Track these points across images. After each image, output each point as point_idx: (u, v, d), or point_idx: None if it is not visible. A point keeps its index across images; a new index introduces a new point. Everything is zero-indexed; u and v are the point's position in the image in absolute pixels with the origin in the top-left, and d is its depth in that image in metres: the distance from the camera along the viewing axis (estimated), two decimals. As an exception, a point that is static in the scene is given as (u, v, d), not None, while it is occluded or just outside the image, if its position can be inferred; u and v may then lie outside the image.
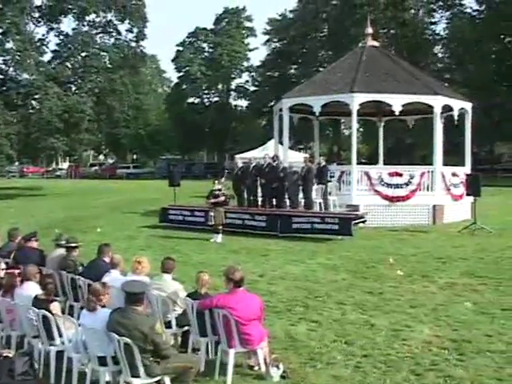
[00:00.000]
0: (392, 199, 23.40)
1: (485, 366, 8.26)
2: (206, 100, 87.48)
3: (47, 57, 49.70)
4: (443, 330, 9.91)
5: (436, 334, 9.70)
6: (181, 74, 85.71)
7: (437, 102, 24.10)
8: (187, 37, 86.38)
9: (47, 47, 49.47)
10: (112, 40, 51.76)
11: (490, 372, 8.06)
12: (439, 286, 13.07)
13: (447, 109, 25.07)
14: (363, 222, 21.25)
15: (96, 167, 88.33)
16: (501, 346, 9.07)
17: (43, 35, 49.09)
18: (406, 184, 23.53)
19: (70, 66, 49.93)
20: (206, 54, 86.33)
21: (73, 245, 10.94)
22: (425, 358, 8.59)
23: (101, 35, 51.25)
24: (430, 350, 8.93)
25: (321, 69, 59.38)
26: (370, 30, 28.14)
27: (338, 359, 8.64)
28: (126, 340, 6.76)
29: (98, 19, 50.14)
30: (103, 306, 7.61)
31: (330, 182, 23.69)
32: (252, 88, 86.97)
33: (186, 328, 8.83)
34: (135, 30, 51.41)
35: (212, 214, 20.08)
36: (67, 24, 56.37)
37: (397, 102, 23.68)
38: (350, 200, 23.44)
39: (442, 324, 10.21)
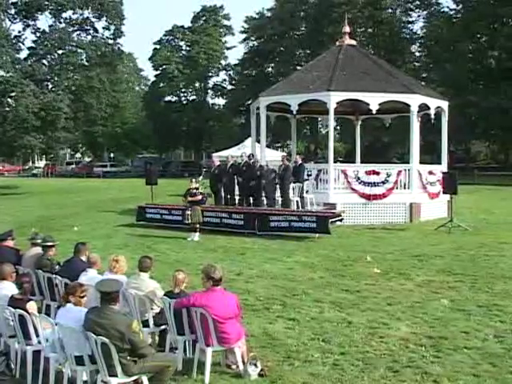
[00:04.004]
0: (369, 197, 23.47)
1: (461, 363, 8.31)
2: (183, 98, 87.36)
3: (23, 54, 49.53)
4: (420, 327, 9.95)
5: (413, 331, 9.74)
6: (158, 72, 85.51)
7: (413, 100, 24.20)
8: (164, 35, 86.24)
9: (23, 44, 49.39)
10: (89, 37, 51.79)
11: (467, 368, 8.11)
12: (416, 283, 13.12)
13: (424, 107, 25.17)
14: (340, 220, 21.27)
15: (73, 166, 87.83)
16: (477, 343, 9.13)
17: (19, 32, 48.91)
18: (383, 182, 23.60)
19: (46, 63, 49.76)
20: (183, 52, 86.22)
21: (49, 244, 10.83)
22: (402, 355, 8.62)
23: (78, 32, 51.24)
24: (407, 347, 8.96)
25: (298, 67, 59.48)
26: (347, 29, 28.17)
27: (316, 357, 8.63)
28: (103, 339, 6.72)
29: (74, 16, 50.04)
30: (76, 305, 7.55)
31: (307, 180, 23.76)
32: (229, 86, 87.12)
33: (164, 327, 8.81)
34: (112, 27, 51.41)
35: (189, 212, 19.98)
36: (44, 21, 56.53)
37: (374, 100, 23.72)
38: (327, 198, 23.48)
39: (419, 321, 10.25)
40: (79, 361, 7.20)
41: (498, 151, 72.85)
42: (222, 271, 8.24)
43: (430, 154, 45.58)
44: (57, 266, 10.60)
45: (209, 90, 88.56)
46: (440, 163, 26.83)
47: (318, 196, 23.57)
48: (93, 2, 48.48)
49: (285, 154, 29.76)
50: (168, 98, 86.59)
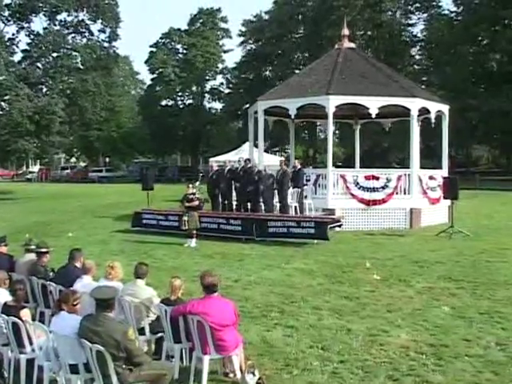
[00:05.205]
0: (368, 203, 23.35)
1: (463, 371, 8.23)
2: (179, 102, 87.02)
3: (17, 57, 49.37)
4: (421, 334, 9.86)
5: (413, 338, 9.65)
6: (154, 75, 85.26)
7: (413, 104, 24.09)
8: (161, 38, 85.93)
9: (17, 47, 49.20)
10: (84, 40, 51.65)
11: (468, 376, 8.04)
12: (416, 290, 13.03)
13: (424, 111, 25.09)
14: (339, 226, 21.13)
15: (67, 170, 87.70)
16: (479, 350, 9.04)
17: (13, 34, 48.80)
18: (383, 187, 23.49)
19: (40, 66, 49.63)
20: (179, 55, 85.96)
21: (43, 250, 10.73)
22: (402, 363, 8.54)
23: (73, 35, 51.07)
24: (407, 355, 8.88)
25: (296, 71, 59.27)
26: (346, 32, 28.11)
27: (315, 365, 8.55)
28: (99, 347, 6.62)
29: (69, 18, 49.98)
30: (70, 313, 7.42)
31: (306, 185, 23.64)
32: (226, 90, 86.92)
33: (160, 334, 8.70)
34: (108, 30, 51.32)
35: (186, 218, 19.84)
36: (38, 23, 56.49)
37: (373, 104, 23.60)
38: (325, 204, 23.37)
39: (420, 328, 10.16)
40: (74, 369, 7.09)
41: (500, 155, 72.87)
42: (216, 277, 8.14)
43: (430, 158, 45.49)
44: (51, 273, 10.49)
45: (206, 94, 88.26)
46: (441, 168, 26.74)
47: (316, 201, 23.46)
48: (88, 4, 48.40)
49: (283, 159, 29.65)
50: (164, 102, 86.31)
